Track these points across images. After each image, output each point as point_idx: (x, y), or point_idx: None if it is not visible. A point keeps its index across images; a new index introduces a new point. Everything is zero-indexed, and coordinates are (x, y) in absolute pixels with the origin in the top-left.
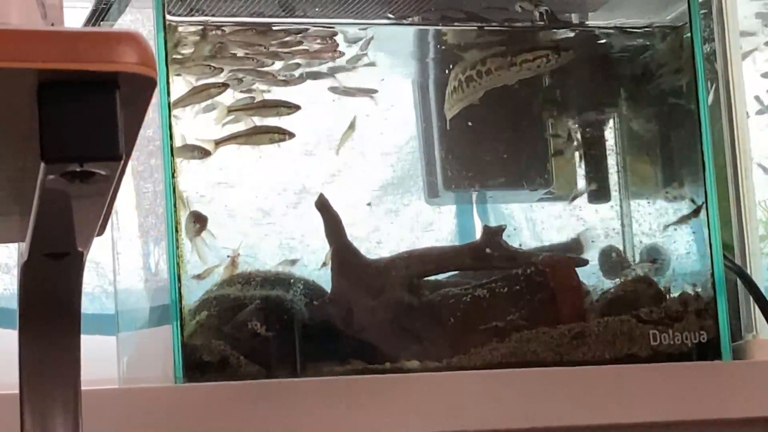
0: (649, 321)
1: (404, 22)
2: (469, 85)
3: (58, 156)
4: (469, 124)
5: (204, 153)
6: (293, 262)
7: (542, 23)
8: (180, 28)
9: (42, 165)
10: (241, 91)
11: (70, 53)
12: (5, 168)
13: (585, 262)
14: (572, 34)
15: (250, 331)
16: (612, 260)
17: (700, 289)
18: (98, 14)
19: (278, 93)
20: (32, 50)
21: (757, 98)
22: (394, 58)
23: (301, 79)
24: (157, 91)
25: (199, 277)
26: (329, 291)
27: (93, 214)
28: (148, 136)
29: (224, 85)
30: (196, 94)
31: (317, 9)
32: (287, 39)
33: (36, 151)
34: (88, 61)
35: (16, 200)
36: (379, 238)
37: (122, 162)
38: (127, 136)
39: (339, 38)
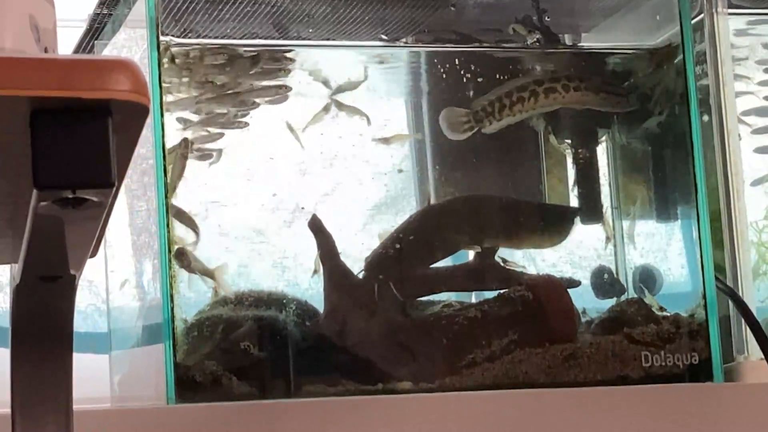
0: (641, 342)
1: (398, 43)
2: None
3: (50, 183)
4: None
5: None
6: None
7: (537, 44)
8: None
9: (34, 191)
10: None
11: (63, 81)
12: None
13: (577, 283)
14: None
15: (242, 351)
16: (604, 281)
17: (692, 311)
18: (92, 33)
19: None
20: (25, 78)
21: None
22: (388, 77)
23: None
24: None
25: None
26: (322, 311)
27: (85, 238)
28: (142, 154)
29: (186, 143)
30: (177, 168)
31: (311, 30)
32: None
33: (29, 176)
34: (81, 88)
35: (9, 223)
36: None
37: (115, 188)
38: (120, 162)
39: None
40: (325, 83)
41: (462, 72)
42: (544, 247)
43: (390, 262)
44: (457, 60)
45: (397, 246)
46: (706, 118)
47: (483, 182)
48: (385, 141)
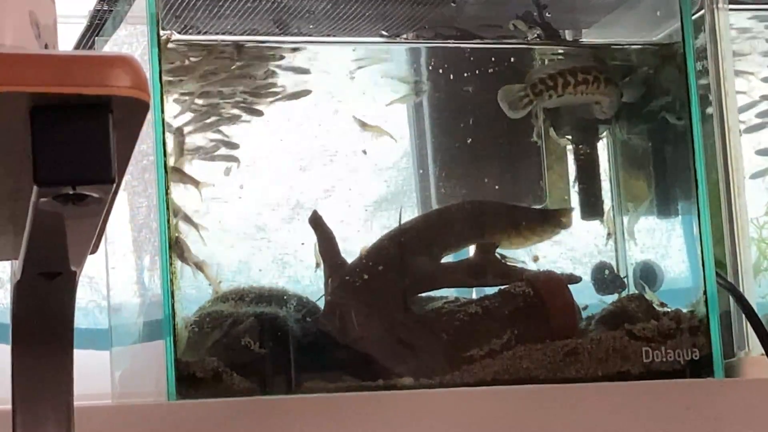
0: (641, 338)
1: (397, 40)
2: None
3: (50, 179)
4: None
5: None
6: None
7: (537, 40)
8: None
9: (35, 187)
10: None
11: (63, 77)
12: None
13: (578, 279)
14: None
15: (243, 347)
16: (605, 277)
17: (692, 307)
18: (92, 30)
19: (271, 110)
20: (25, 74)
21: None
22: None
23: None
24: (150, 105)
25: None
26: (323, 307)
27: (86, 234)
28: (142, 151)
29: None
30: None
31: (311, 26)
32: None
33: (29, 172)
34: (81, 84)
35: (9, 219)
36: None
37: (115, 184)
38: (120, 158)
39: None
40: (416, 83)
41: (464, 68)
42: (522, 246)
43: (355, 291)
44: (458, 56)
45: (366, 276)
46: (710, 110)
47: (484, 179)
48: (362, 125)
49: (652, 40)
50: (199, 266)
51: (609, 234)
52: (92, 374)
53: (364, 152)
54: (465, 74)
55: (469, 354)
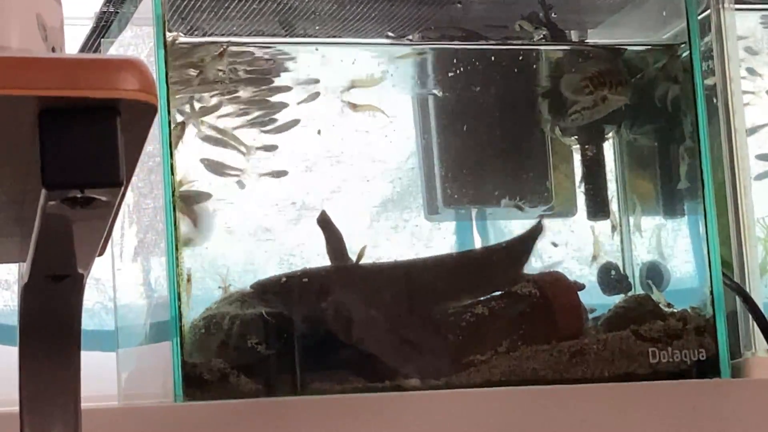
0: (648, 338)
1: (403, 41)
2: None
3: (59, 182)
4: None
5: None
6: None
7: (543, 40)
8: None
9: (43, 190)
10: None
11: (70, 80)
12: (6, 191)
13: (581, 287)
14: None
15: (249, 348)
16: (611, 277)
17: (698, 307)
18: (98, 31)
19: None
20: (33, 77)
21: None
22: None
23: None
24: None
25: None
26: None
27: (93, 237)
28: (149, 152)
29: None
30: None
31: (317, 27)
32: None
33: (37, 175)
34: (88, 88)
35: (17, 222)
36: (379, 255)
37: (123, 187)
38: (128, 161)
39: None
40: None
41: (468, 68)
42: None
43: (282, 293)
44: (463, 56)
45: (284, 279)
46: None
47: (489, 179)
48: (353, 107)
49: (658, 40)
50: (194, 221)
51: (614, 227)
52: (99, 376)
53: (318, 132)
54: (471, 75)
55: (475, 355)
